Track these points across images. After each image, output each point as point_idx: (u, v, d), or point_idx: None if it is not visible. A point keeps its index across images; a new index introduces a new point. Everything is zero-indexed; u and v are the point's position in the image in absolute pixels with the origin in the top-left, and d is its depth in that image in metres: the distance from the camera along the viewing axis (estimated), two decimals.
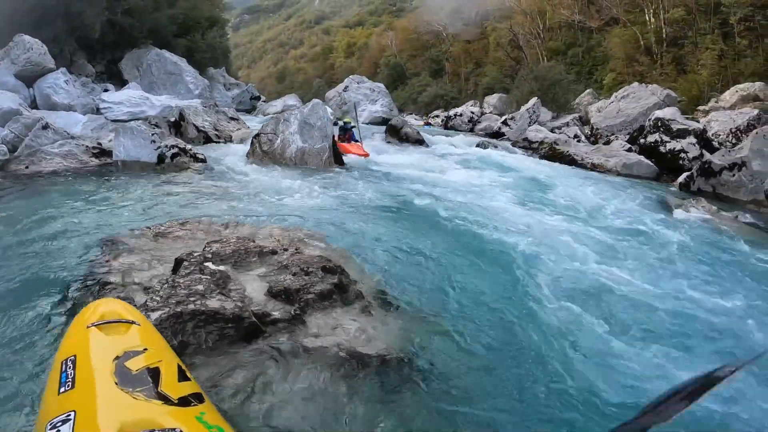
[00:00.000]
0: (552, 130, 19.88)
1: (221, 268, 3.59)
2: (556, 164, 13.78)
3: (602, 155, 14.27)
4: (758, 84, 20.98)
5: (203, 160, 9.68)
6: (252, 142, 10.86)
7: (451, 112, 27.82)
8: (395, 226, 6.19)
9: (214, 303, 3.03)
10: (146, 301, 3.05)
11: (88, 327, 2.14)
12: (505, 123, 22.25)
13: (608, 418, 2.82)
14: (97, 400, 1.68)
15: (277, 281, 3.49)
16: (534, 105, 22.06)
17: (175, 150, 9.56)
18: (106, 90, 21.36)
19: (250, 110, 29.25)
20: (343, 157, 11.32)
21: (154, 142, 9.48)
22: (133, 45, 26.41)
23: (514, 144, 18.65)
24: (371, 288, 4.05)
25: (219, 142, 12.77)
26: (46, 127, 10.24)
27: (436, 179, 9.85)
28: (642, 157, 13.79)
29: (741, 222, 8.09)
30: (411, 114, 39.27)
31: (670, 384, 1.18)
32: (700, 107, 21.25)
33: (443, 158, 13.18)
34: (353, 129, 13.75)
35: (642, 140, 14.68)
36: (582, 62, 36.76)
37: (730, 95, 21.28)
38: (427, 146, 16.11)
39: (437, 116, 32.86)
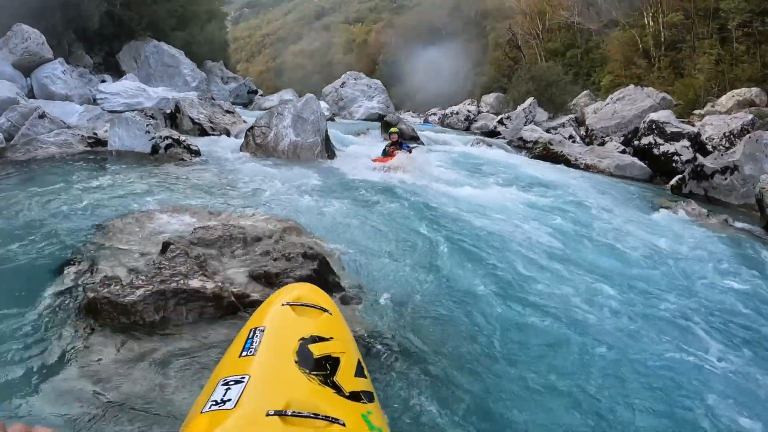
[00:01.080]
0: (548, 131, 19.85)
1: (206, 251, 3.75)
2: (548, 164, 13.82)
3: (596, 156, 14.37)
4: (755, 89, 21.06)
5: (197, 152, 9.79)
6: (246, 135, 10.96)
7: (448, 110, 27.89)
8: (378, 219, 6.31)
9: (195, 283, 3.22)
10: (132, 279, 3.21)
11: (283, 305, 2.23)
12: (501, 122, 22.25)
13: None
14: (272, 371, 1.77)
15: (258, 265, 3.65)
16: (530, 105, 22.06)
17: (169, 141, 9.66)
18: (103, 81, 21.31)
19: (247, 104, 29.17)
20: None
21: (148, 132, 9.65)
22: (131, 37, 26.26)
23: (509, 143, 18.70)
24: (349, 276, 4.21)
25: (214, 135, 12.82)
26: (42, 116, 10.38)
27: (427, 175, 9.93)
28: (635, 159, 13.93)
29: (729, 225, 8.07)
30: (408, 111, 39.28)
31: None
32: (696, 111, 21.30)
33: (437, 155, 13.21)
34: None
35: (636, 142, 14.76)
36: (580, 64, 36.87)
37: (726, 100, 21.32)
38: (422, 143, 16.16)
39: (434, 114, 32.85)
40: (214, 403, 1.53)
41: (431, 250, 5.24)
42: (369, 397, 1.84)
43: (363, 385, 1.90)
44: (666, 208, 8.91)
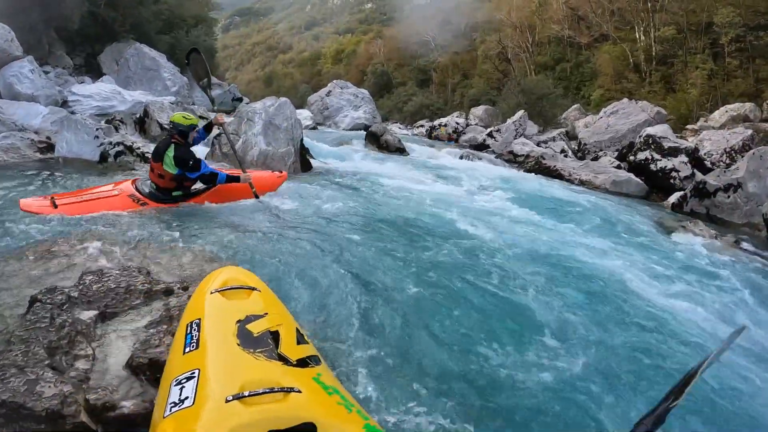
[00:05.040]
0: (538, 144, 19.09)
1: (85, 314, 2.53)
2: (543, 179, 12.82)
3: (591, 171, 13.42)
4: (748, 105, 20.58)
5: None
6: (212, 143, 9.74)
7: (436, 122, 26.75)
8: (350, 254, 4.76)
9: (29, 386, 1.94)
10: None
11: (212, 293, 2.19)
12: (490, 135, 21.31)
13: None
14: (219, 359, 1.73)
15: (146, 346, 2.37)
16: (520, 118, 21.21)
17: (120, 148, 8.40)
18: (82, 83, 20.19)
19: (231, 111, 27.87)
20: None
21: (97, 138, 8.34)
22: (114, 39, 25.28)
23: (498, 156, 17.76)
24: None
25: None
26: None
27: (411, 190, 8.73)
28: (631, 175, 13.04)
29: (740, 247, 7.40)
30: (396, 123, 38.06)
31: None
32: (689, 126, 20.72)
33: (421, 168, 12.09)
34: None
35: (632, 157, 14.02)
36: (570, 77, 36.00)
37: (719, 115, 20.84)
38: (407, 155, 15.17)
39: (422, 125, 31.72)
40: (173, 404, 1.50)
41: (418, 303, 3.97)
42: (315, 360, 1.88)
43: (307, 350, 1.92)
44: (674, 230, 8.12)
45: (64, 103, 16.37)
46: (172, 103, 13.54)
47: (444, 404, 2.72)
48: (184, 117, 5.69)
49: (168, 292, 2.94)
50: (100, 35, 24.99)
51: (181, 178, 5.64)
